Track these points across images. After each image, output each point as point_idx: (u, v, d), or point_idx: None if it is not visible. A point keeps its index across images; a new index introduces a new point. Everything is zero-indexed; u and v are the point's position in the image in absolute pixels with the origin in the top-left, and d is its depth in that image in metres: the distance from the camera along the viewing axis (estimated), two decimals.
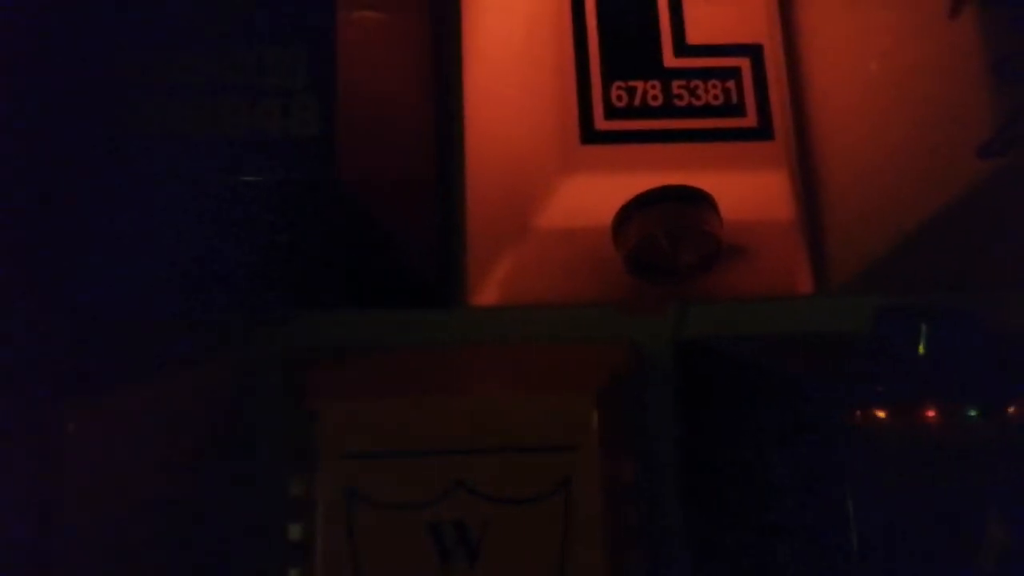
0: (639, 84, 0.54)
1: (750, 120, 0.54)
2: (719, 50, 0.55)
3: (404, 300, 0.59)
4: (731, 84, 0.55)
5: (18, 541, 0.44)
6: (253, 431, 0.55)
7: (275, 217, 0.52)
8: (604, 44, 0.55)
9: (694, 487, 0.58)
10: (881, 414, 0.48)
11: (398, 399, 0.48)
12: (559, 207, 0.54)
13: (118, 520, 0.48)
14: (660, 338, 0.59)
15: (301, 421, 0.48)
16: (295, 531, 0.48)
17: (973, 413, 0.49)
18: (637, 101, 0.54)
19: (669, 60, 0.55)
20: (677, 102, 0.54)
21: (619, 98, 0.54)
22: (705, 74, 0.54)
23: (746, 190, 0.55)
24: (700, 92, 0.54)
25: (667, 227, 0.53)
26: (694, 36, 0.55)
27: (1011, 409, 0.49)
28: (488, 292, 0.58)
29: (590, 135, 0.53)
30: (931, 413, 0.48)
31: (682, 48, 0.55)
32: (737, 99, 0.54)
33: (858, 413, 0.48)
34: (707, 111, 0.54)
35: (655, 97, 0.54)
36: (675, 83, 0.54)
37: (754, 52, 0.55)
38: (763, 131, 0.54)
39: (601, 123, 0.54)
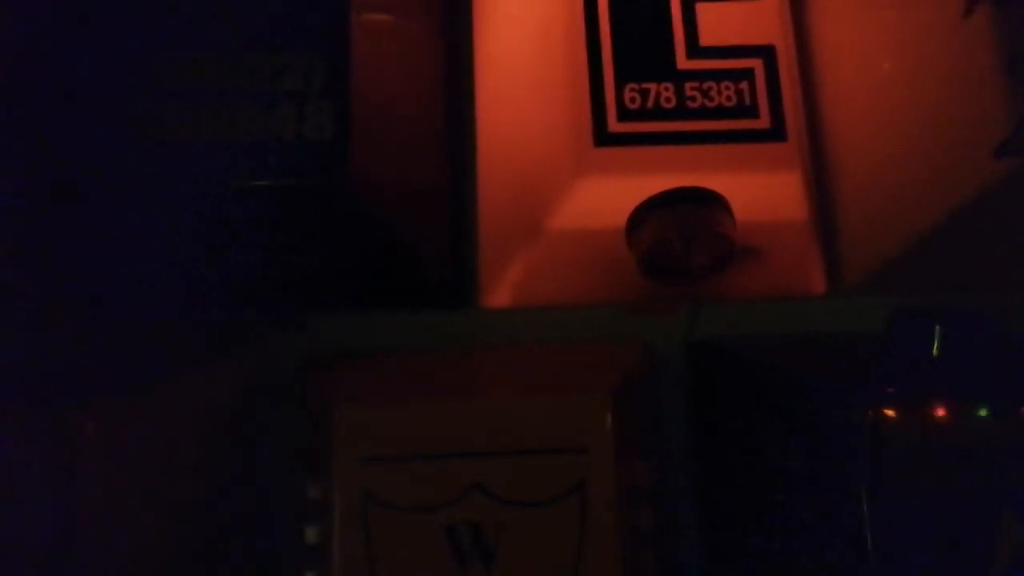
0: (652, 86, 0.54)
1: (763, 121, 0.54)
2: (732, 51, 0.55)
3: (417, 303, 0.60)
4: (744, 85, 0.55)
5: (37, 543, 0.44)
6: (270, 434, 0.55)
7: (289, 221, 0.53)
8: (617, 46, 0.55)
9: (707, 487, 0.58)
10: (894, 414, 0.49)
11: (413, 403, 0.48)
12: (572, 209, 0.55)
13: (135, 522, 0.48)
14: (673, 339, 0.59)
15: (316, 425, 0.49)
16: (312, 534, 0.48)
17: (986, 413, 0.49)
18: (650, 103, 0.54)
19: (682, 62, 0.55)
20: (690, 104, 0.54)
21: (632, 100, 0.54)
22: (718, 76, 0.54)
23: (759, 191, 0.55)
24: (713, 94, 0.54)
25: (680, 229, 0.53)
26: (707, 38, 0.55)
27: (1022, 409, 0.49)
28: (501, 294, 0.58)
29: (603, 137, 0.54)
30: (944, 413, 0.48)
31: (695, 50, 0.55)
32: (750, 100, 0.54)
33: (871, 413, 0.48)
34: (720, 113, 0.54)
35: (668, 99, 0.54)
36: (688, 85, 0.54)
37: (767, 53, 0.55)
38: (776, 132, 0.54)
39: (614, 125, 0.54)
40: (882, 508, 0.47)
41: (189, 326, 0.56)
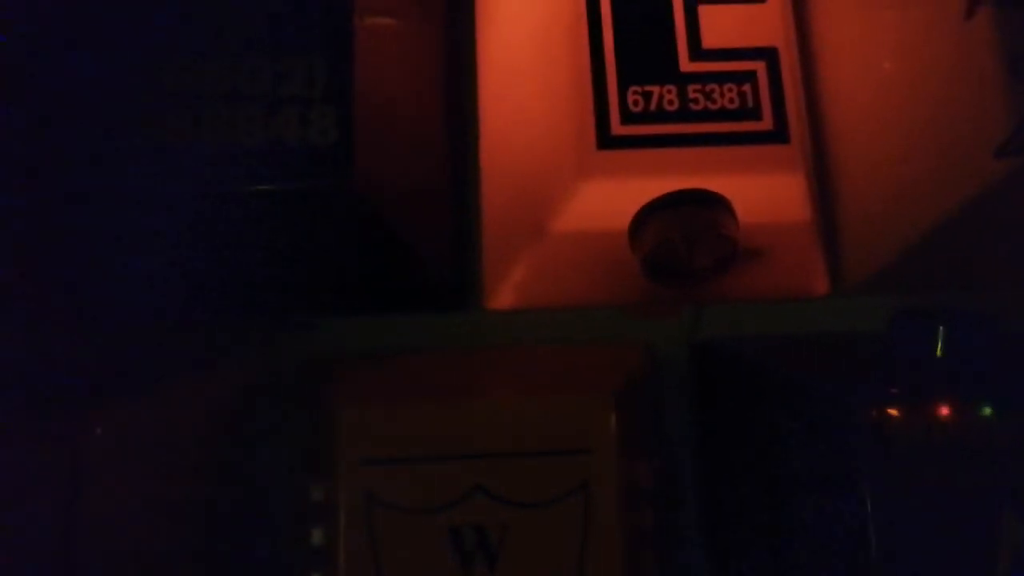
0: (655, 89, 0.54)
1: (766, 123, 0.54)
2: (735, 54, 0.55)
3: (420, 305, 0.60)
4: (747, 88, 0.55)
5: (41, 545, 0.45)
6: (274, 437, 0.56)
7: (293, 224, 0.53)
8: (620, 49, 0.55)
9: (710, 488, 0.58)
10: (896, 414, 0.49)
11: (415, 404, 0.48)
12: (575, 211, 0.55)
13: (139, 524, 0.49)
14: (675, 340, 0.59)
15: (320, 426, 0.49)
16: (317, 536, 0.48)
17: (989, 413, 0.49)
18: (653, 106, 0.54)
19: (685, 64, 0.55)
20: (693, 106, 0.54)
21: (635, 103, 0.54)
22: (721, 78, 0.55)
23: (762, 193, 0.55)
24: (716, 96, 0.55)
25: (683, 231, 0.53)
26: (709, 40, 0.55)
27: None
28: (504, 296, 0.59)
29: (606, 140, 0.54)
30: (947, 413, 0.49)
31: (698, 52, 0.55)
32: (753, 103, 0.54)
33: (873, 413, 0.48)
34: (723, 115, 0.54)
35: (671, 102, 0.54)
36: (691, 87, 0.55)
37: (769, 55, 0.56)
38: (779, 134, 0.54)
39: (617, 128, 0.54)
40: (884, 508, 0.47)
41: (193, 329, 0.56)
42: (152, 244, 0.53)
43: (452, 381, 0.52)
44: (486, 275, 0.60)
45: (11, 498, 0.45)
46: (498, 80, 0.61)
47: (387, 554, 0.46)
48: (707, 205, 0.53)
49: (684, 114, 0.54)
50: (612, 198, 0.54)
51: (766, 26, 0.56)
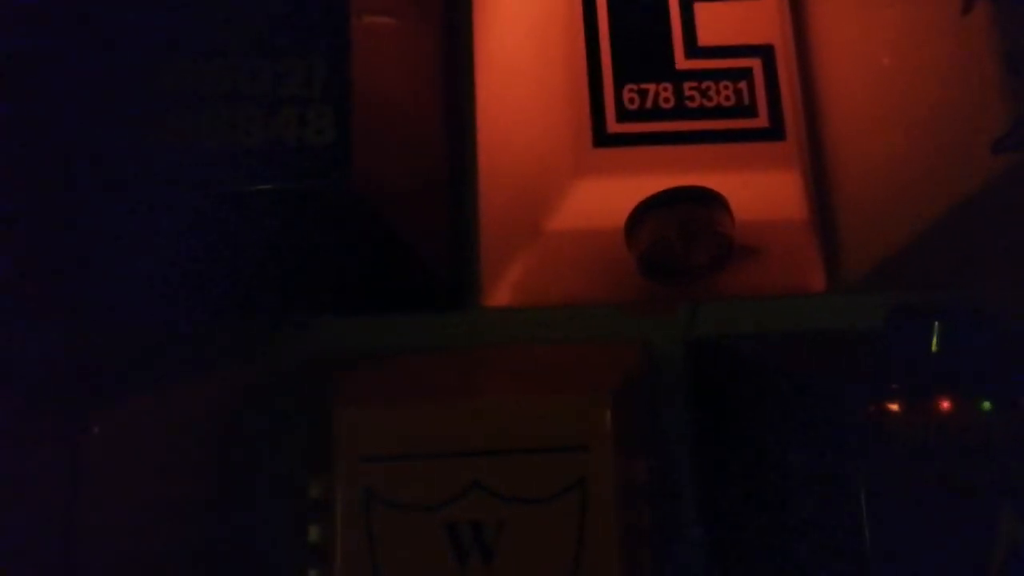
0: (651, 86, 0.55)
1: (762, 121, 0.54)
2: (730, 51, 0.55)
3: (419, 304, 0.60)
4: (743, 85, 0.55)
5: (40, 545, 0.45)
6: (273, 436, 0.56)
7: (291, 224, 0.53)
8: (616, 47, 0.55)
9: (707, 486, 0.58)
10: (893, 411, 0.49)
11: (413, 402, 0.48)
12: (572, 210, 0.55)
13: (138, 523, 0.49)
14: (672, 338, 0.59)
15: (319, 425, 0.49)
16: (315, 533, 0.48)
17: (986, 409, 0.49)
18: (649, 103, 0.54)
19: (681, 62, 0.55)
20: (689, 104, 0.54)
21: (631, 101, 0.54)
22: (717, 75, 0.55)
23: (758, 190, 0.55)
24: (712, 93, 0.55)
25: (680, 228, 0.53)
26: (705, 37, 0.56)
27: (1022, 405, 0.49)
28: (501, 294, 0.59)
29: (602, 138, 0.54)
30: (944, 409, 0.49)
31: (693, 50, 0.55)
32: (749, 100, 0.55)
33: (870, 410, 0.48)
34: (719, 112, 0.54)
35: (667, 99, 0.54)
36: (687, 85, 0.55)
37: (765, 52, 0.56)
38: (775, 131, 0.54)
39: (613, 126, 0.54)
40: (880, 504, 0.47)
41: (191, 329, 0.56)
42: (150, 244, 0.53)
43: (450, 379, 0.52)
44: (484, 273, 0.60)
45: (10, 498, 0.45)
46: (495, 79, 0.61)
47: (384, 551, 0.46)
48: (703, 203, 0.53)
49: (680, 112, 0.54)
50: (608, 196, 0.54)
51: (762, 23, 0.56)
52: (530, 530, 0.46)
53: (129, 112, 0.50)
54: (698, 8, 0.56)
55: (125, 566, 0.48)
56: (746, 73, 0.55)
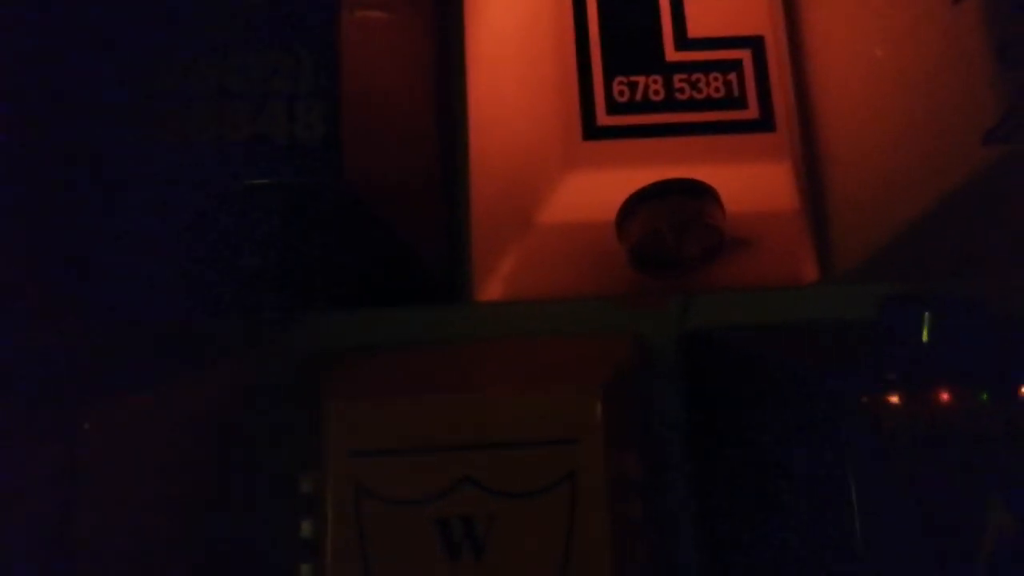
0: (641, 79, 0.54)
1: (752, 112, 0.54)
2: (720, 43, 0.55)
3: (412, 298, 0.60)
4: (732, 77, 0.55)
5: (36, 542, 0.45)
6: (267, 431, 0.56)
7: (282, 220, 0.53)
8: (606, 39, 0.55)
9: (701, 478, 0.58)
10: (885, 401, 0.49)
11: (403, 397, 0.48)
12: (562, 203, 0.55)
13: (133, 520, 0.49)
14: (665, 330, 0.59)
15: (310, 420, 0.49)
16: (306, 528, 0.48)
17: (978, 398, 0.49)
18: (639, 96, 0.54)
19: (671, 54, 0.55)
20: (679, 96, 0.54)
21: (621, 93, 0.54)
22: (706, 67, 0.55)
23: (749, 182, 0.55)
24: (701, 85, 0.54)
25: (670, 221, 0.53)
26: (695, 29, 0.55)
27: (1016, 394, 0.49)
28: (494, 288, 0.59)
29: (592, 131, 0.54)
30: (936, 399, 0.49)
31: (683, 41, 0.55)
32: (738, 91, 0.54)
33: (862, 400, 0.48)
34: (709, 104, 0.54)
35: (657, 91, 0.54)
36: (677, 77, 0.55)
37: (755, 44, 0.55)
38: (765, 123, 0.54)
39: (603, 118, 0.54)
40: (871, 494, 0.47)
41: (184, 326, 0.56)
42: (142, 242, 0.53)
43: (441, 374, 0.52)
44: (476, 267, 0.60)
45: (5, 496, 0.45)
46: (486, 72, 0.61)
47: (375, 545, 0.46)
48: (694, 194, 0.53)
49: (670, 104, 0.54)
50: (599, 189, 0.54)
51: (752, 15, 0.56)
52: (521, 524, 0.46)
53: (117, 109, 0.50)
54: (688, 0, 0.56)
55: (119, 562, 0.48)
56: (736, 65, 0.55)
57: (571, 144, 0.54)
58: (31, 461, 0.46)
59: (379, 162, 0.55)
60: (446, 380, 0.51)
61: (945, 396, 0.49)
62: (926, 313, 0.52)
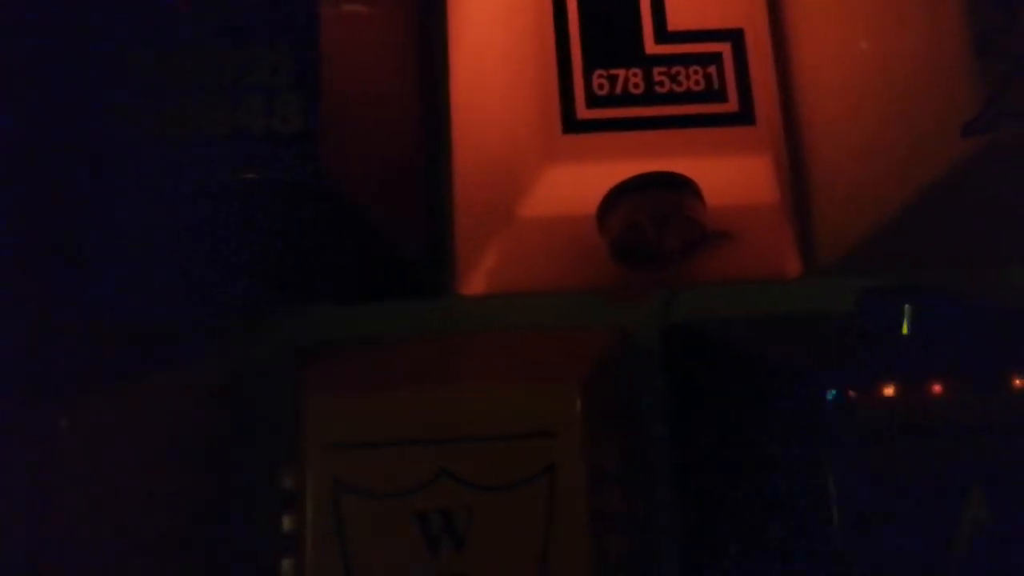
0: (620, 72, 0.54)
1: (731, 105, 0.54)
2: (700, 36, 0.55)
3: (395, 292, 0.60)
4: (712, 70, 0.55)
5: (14, 537, 0.45)
6: (249, 426, 0.56)
7: (261, 214, 0.53)
8: (585, 32, 0.55)
9: (683, 471, 0.58)
10: (866, 393, 0.49)
11: (382, 391, 0.48)
12: (543, 197, 0.55)
13: (112, 515, 0.49)
14: (648, 323, 0.59)
15: (290, 414, 0.49)
16: (287, 522, 0.48)
17: (959, 392, 0.49)
18: (619, 89, 0.54)
19: (650, 47, 0.55)
20: (659, 89, 0.54)
21: (600, 86, 0.54)
22: (686, 60, 0.55)
23: (729, 175, 0.55)
24: (681, 78, 0.54)
25: (651, 214, 0.53)
26: (675, 22, 0.55)
27: (997, 387, 0.50)
28: (477, 282, 0.59)
29: (572, 124, 0.54)
30: (916, 392, 0.49)
31: (663, 35, 0.55)
32: (718, 84, 0.54)
33: (844, 393, 0.49)
34: (688, 97, 0.54)
35: (636, 84, 0.54)
36: (656, 70, 0.55)
37: (735, 37, 0.55)
38: (744, 116, 0.54)
39: (583, 112, 0.54)
40: (852, 487, 0.48)
41: (162, 321, 0.56)
42: (118, 236, 0.53)
43: (420, 367, 0.52)
44: (459, 261, 0.60)
45: None
46: (468, 66, 0.61)
47: (354, 539, 0.46)
48: (674, 188, 0.53)
49: (650, 97, 0.54)
50: (579, 182, 0.54)
51: (732, 7, 0.56)
52: (500, 517, 0.46)
53: (93, 103, 0.50)
54: None
55: (98, 559, 0.48)
56: (715, 58, 0.55)
57: (551, 138, 0.54)
58: (7, 458, 0.46)
59: (359, 155, 0.55)
60: (425, 374, 0.51)
61: (925, 389, 0.49)
62: (906, 306, 0.52)
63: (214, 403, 0.56)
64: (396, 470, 0.46)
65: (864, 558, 0.47)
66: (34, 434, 0.47)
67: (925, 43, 0.56)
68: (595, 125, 0.54)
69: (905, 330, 0.52)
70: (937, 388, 0.49)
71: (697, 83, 0.54)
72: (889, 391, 0.49)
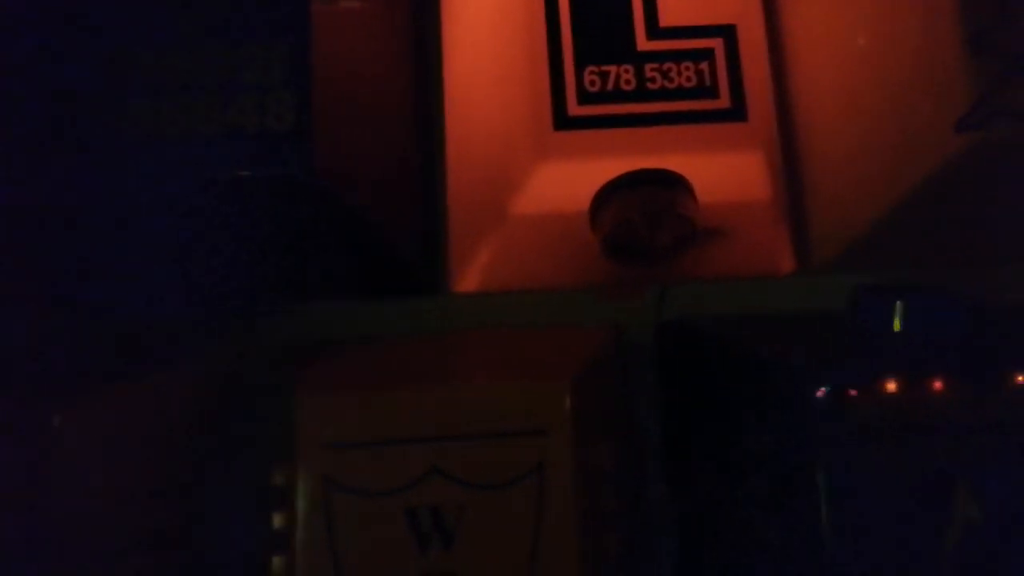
0: (612, 68, 0.54)
1: (723, 102, 0.54)
2: (692, 32, 0.55)
3: (388, 289, 0.60)
4: (704, 66, 0.55)
5: (13, 537, 0.45)
6: (243, 424, 0.56)
7: (255, 213, 0.53)
8: (577, 28, 0.55)
9: (676, 469, 0.58)
10: (859, 390, 0.49)
11: (374, 391, 0.48)
12: (535, 194, 0.55)
13: (107, 513, 0.49)
14: (641, 320, 0.59)
15: (282, 413, 0.49)
16: (278, 520, 0.48)
17: (951, 389, 0.49)
18: (610, 85, 0.54)
19: (642, 43, 0.55)
20: (650, 85, 0.54)
21: (592, 83, 0.54)
22: (678, 56, 0.54)
23: (722, 171, 0.55)
24: (673, 75, 0.54)
25: (642, 211, 0.53)
26: (667, 19, 0.55)
27: (990, 385, 0.49)
28: (470, 279, 0.59)
29: (563, 121, 0.54)
30: (908, 389, 0.49)
31: (655, 31, 0.55)
32: (710, 81, 0.54)
33: (837, 390, 0.48)
34: (680, 94, 0.54)
35: (628, 81, 0.54)
36: (648, 66, 0.54)
37: (727, 33, 0.55)
38: (736, 112, 0.54)
39: (574, 109, 0.54)
40: (842, 484, 0.47)
41: (156, 320, 0.56)
42: (113, 235, 0.53)
43: (412, 365, 0.52)
44: (452, 259, 0.60)
45: None
46: (462, 63, 0.61)
47: (344, 537, 0.46)
48: (666, 184, 0.53)
49: (641, 93, 0.54)
50: (571, 179, 0.54)
51: (725, 3, 0.56)
52: (489, 515, 0.46)
53: (83, 105, 0.50)
54: None
55: (92, 556, 0.48)
56: (707, 54, 0.55)
57: (542, 134, 0.54)
58: (6, 459, 0.46)
59: (352, 153, 0.55)
60: (417, 372, 0.51)
61: (919, 387, 0.49)
62: (898, 303, 0.51)
63: (210, 402, 0.56)
64: (386, 468, 0.46)
65: (857, 557, 0.46)
66: (28, 434, 0.47)
67: (919, 41, 0.56)
68: (587, 122, 0.54)
69: (897, 327, 0.51)
70: (930, 386, 0.49)
71: (689, 79, 0.54)
72: (882, 389, 0.49)
